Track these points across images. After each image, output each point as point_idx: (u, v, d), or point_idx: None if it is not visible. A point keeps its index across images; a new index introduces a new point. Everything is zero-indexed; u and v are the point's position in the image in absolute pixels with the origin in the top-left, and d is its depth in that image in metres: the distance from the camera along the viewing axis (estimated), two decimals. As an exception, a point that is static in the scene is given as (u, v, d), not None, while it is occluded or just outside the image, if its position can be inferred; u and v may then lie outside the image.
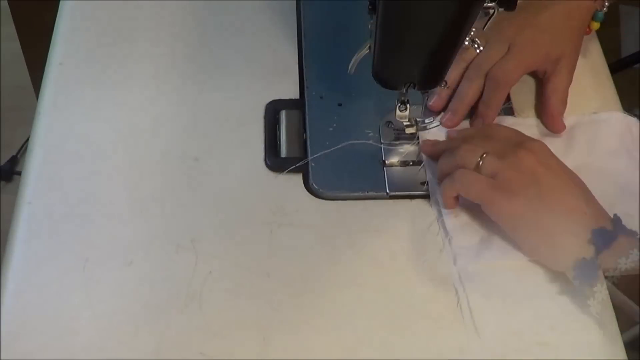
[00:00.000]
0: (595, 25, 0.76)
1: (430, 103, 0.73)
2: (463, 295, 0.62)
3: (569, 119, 0.73)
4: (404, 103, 0.70)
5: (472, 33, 0.70)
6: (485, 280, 0.63)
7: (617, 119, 0.73)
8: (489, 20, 0.62)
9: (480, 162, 0.63)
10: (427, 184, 0.69)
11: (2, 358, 0.58)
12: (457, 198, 0.66)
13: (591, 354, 0.60)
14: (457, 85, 0.73)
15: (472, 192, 0.64)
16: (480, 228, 0.66)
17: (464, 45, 0.69)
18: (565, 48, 0.73)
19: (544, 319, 0.62)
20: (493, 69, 0.71)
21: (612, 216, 0.62)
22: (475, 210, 0.66)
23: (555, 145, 0.68)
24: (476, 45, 0.72)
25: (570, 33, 0.73)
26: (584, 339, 0.61)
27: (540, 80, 0.75)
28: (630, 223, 0.61)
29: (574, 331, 0.61)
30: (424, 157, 0.71)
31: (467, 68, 0.73)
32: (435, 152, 0.70)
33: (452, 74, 0.72)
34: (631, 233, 0.60)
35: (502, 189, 0.62)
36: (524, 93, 0.76)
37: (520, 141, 0.65)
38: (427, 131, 0.72)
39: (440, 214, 0.67)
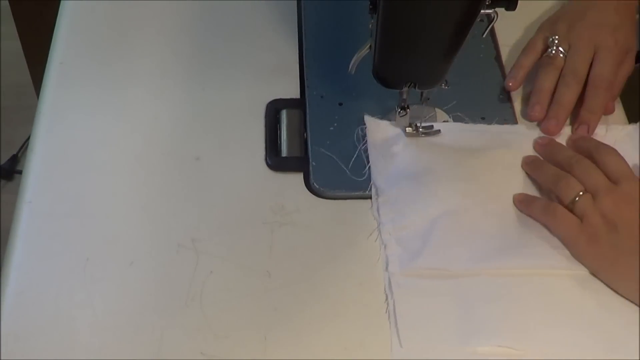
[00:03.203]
0: None
1: (533, 112, 0.73)
2: (391, 302, 0.62)
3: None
4: (403, 108, 0.70)
5: (555, 41, 0.74)
6: (415, 289, 0.63)
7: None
8: (490, 25, 0.62)
9: (576, 199, 0.64)
10: (371, 188, 0.69)
11: (2, 358, 0.58)
12: None
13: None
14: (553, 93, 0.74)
15: (559, 230, 0.65)
16: (416, 237, 0.65)
17: (551, 54, 0.74)
18: (631, 39, 0.76)
19: (471, 326, 0.61)
20: (594, 75, 0.73)
21: None
22: (412, 219, 0.66)
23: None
24: (561, 53, 0.74)
25: (632, 23, 0.76)
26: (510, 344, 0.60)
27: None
28: None
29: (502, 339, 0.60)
30: (370, 158, 0.70)
31: (559, 75, 0.74)
32: (544, 154, 0.71)
33: (547, 82, 0.74)
34: None
35: (587, 233, 0.63)
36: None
37: (619, 180, 0.65)
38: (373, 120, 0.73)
39: (378, 221, 0.67)
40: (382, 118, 0.73)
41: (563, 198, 0.65)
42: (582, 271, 0.64)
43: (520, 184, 0.70)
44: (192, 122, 0.73)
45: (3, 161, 1.67)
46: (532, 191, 0.69)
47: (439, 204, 0.67)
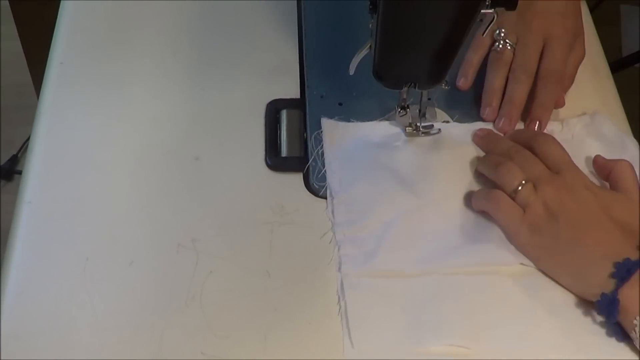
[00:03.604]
0: None
1: (485, 115, 0.73)
2: (342, 303, 0.62)
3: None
4: (403, 108, 0.70)
5: (502, 34, 0.72)
6: (367, 289, 0.62)
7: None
8: (489, 25, 0.62)
9: (519, 188, 0.64)
10: (326, 188, 0.69)
11: (2, 358, 0.58)
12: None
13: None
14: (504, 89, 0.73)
15: (500, 218, 0.65)
16: (370, 239, 0.65)
17: (498, 48, 0.72)
18: (579, 24, 0.74)
19: (423, 326, 0.60)
20: (544, 69, 0.72)
21: None
22: (367, 220, 0.66)
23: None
24: (509, 45, 0.73)
25: (578, 9, 0.75)
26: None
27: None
28: None
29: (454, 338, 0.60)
30: (326, 160, 0.70)
31: (508, 70, 0.73)
32: (483, 146, 0.71)
33: (497, 81, 0.72)
34: None
35: (529, 222, 0.63)
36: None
37: (560, 170, 0.65)
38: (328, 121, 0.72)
39: (332, 222, 0.66)
40: (383, 118, 0.73)
41: (505, 186, 0.65)
42: (531, 266, 0.64)
43: (473, 181, 0.69)
44: (192, 122, 0.73)
45: (3, 161, 1.66)
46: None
47: (393, 205, 0.67)
